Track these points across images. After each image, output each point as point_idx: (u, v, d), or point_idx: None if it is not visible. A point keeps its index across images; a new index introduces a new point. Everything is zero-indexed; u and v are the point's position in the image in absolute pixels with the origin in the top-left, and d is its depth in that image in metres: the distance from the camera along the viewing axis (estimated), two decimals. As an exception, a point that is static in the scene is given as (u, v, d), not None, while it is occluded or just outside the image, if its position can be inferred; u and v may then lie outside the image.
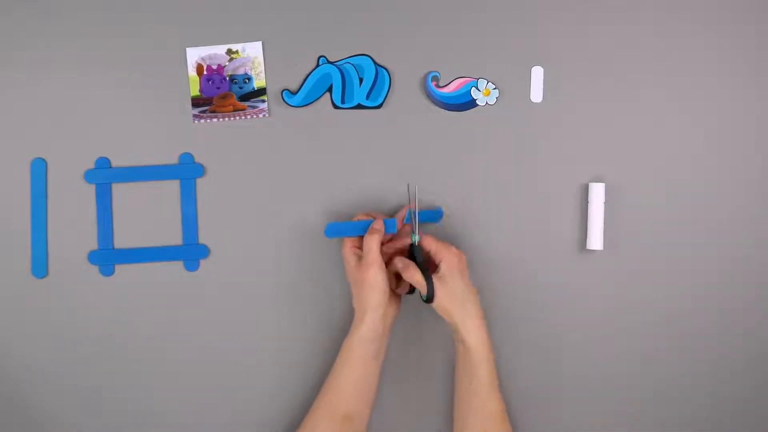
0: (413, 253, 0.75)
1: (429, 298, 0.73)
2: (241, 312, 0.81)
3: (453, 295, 0.73)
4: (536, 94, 0.82)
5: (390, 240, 0.78)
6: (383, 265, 0.73)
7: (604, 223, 0.81)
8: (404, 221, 0.77)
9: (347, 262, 0.75)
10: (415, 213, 0.76)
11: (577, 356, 0.83)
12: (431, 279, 0.73)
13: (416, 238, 0.75)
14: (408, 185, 0.80)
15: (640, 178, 0.82)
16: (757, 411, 0.84)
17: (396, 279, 0.77)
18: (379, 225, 0.74)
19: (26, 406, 0.80)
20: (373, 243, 0.73)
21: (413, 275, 0.73)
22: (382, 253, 0.73)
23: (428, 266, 0.75)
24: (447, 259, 0.74)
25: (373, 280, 0.72)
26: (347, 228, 0.76)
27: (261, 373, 0.81)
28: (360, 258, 0.74)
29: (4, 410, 0.80)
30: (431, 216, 0.81)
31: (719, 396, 0.83)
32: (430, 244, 0.75)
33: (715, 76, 0.83)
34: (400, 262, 0.74)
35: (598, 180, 0.82)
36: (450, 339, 0.77)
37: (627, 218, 0.82)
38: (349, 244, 0.76)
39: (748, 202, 0.83)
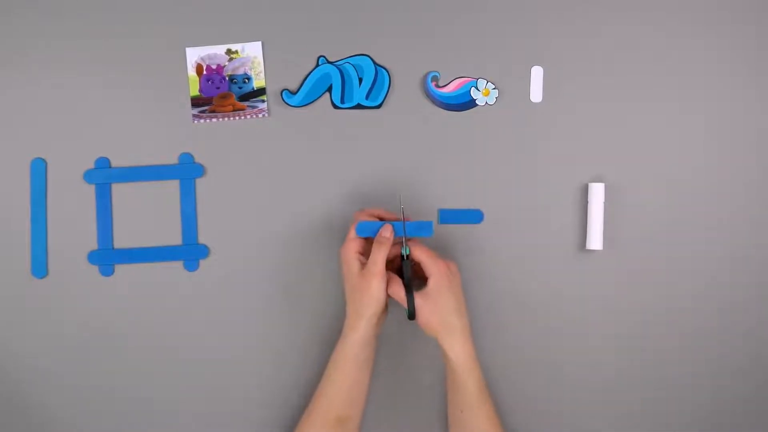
0: (403, 265, 0.74)
1: (410, 315, 0.72)
2: (240, 312, 0.81)
3: (437, 312, 0.72)
4: (536, 94, 0.82)
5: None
6: (385, 277, 0.72)
7: (604, 223, 0.81)
8: (395, 234, 0.74)
9: (349, 268, 0.73)
10: (403, 224, 0.74)
11: (577, 356, 0.83)
12: (413, 297, 0.72)
13: (406, 251, 0.74)
14: (399, 196, 0.78)
15: (640, 178, 0.82)
16: (757, 411, 0.84)
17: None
18: (388, 233, 0.73)
19: (26, 406, 0.80)
20: (380, 254, 0.72)
21: (396, 292, 0.72)
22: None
23: (420, 278, 0.74)
24: (435, 273, 0.72)
25: (376, 291, 0.71)
26: (374, 228, 0.74)
27: (260, 374, 0.81)
28: (363, 265, 0.73)
29: (4, 410, 0.80)
30: (420, 229, 0.74)
31: (719, 396, 0.83)
32: (420, 256, 0.73)
33: (715, 76, 0.83)
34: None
35: (598, 180, 0.82)
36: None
37: (627, 218, 0.82)
38: (352, 248, 0.73)
39: (748, 202, 0.83)
